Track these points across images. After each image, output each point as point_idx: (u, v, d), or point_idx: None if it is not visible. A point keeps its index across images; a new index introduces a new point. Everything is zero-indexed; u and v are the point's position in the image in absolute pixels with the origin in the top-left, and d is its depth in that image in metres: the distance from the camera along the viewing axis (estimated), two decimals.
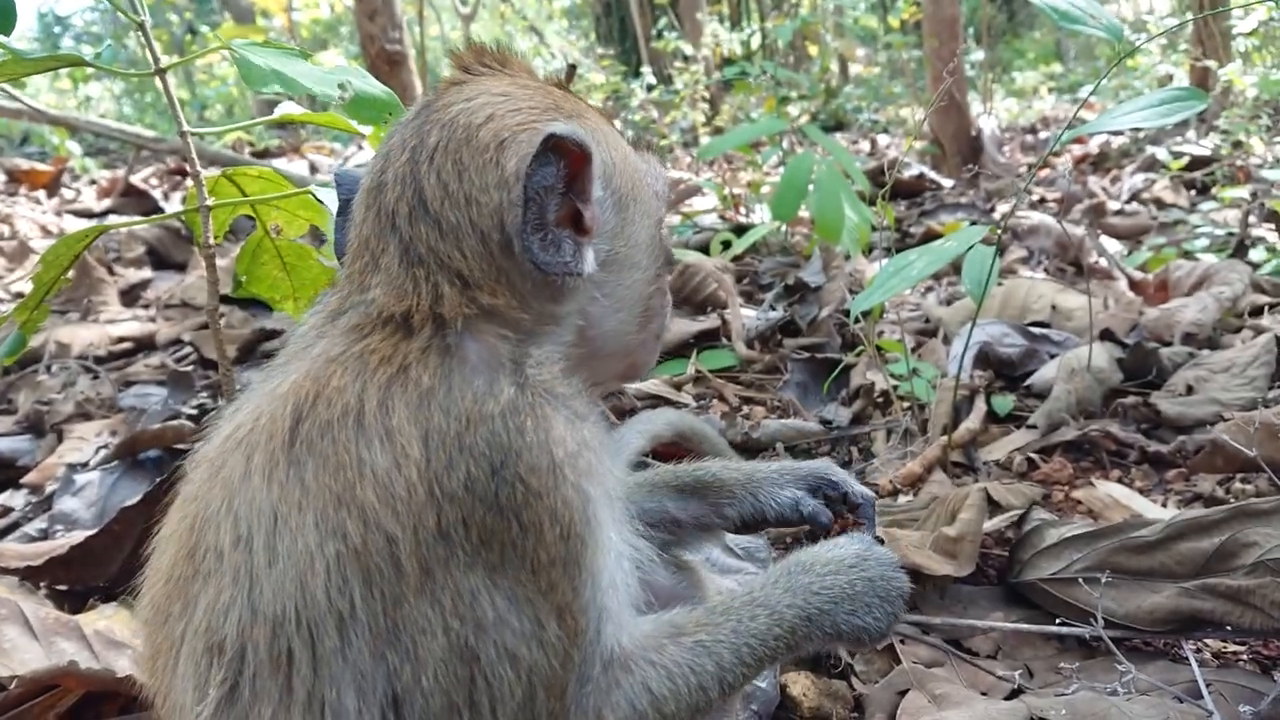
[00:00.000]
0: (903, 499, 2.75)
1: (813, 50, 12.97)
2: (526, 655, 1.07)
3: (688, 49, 11.70)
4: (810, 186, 4.33)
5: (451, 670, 1.04)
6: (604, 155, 1.24)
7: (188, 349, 4.59)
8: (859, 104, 14.15)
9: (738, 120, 10.24)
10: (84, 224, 6.41)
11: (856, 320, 3.46)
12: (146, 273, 6.03)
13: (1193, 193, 7.16)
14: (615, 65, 14.12)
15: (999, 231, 2.81)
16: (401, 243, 1.16)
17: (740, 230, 5.48)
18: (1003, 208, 7.04)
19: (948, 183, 8.33)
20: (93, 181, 9.60)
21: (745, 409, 3.66)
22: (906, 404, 3.29)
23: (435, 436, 1.04)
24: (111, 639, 1.96)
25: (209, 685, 1.05)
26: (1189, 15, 10.03)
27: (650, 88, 11.93)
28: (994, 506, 2.50)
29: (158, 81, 1.74)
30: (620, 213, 1.26)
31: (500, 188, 1.15)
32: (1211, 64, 9.15)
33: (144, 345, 4.82)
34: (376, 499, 1.03)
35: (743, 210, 6.50)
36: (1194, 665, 1.85)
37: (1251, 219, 5.43)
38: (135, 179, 8.36)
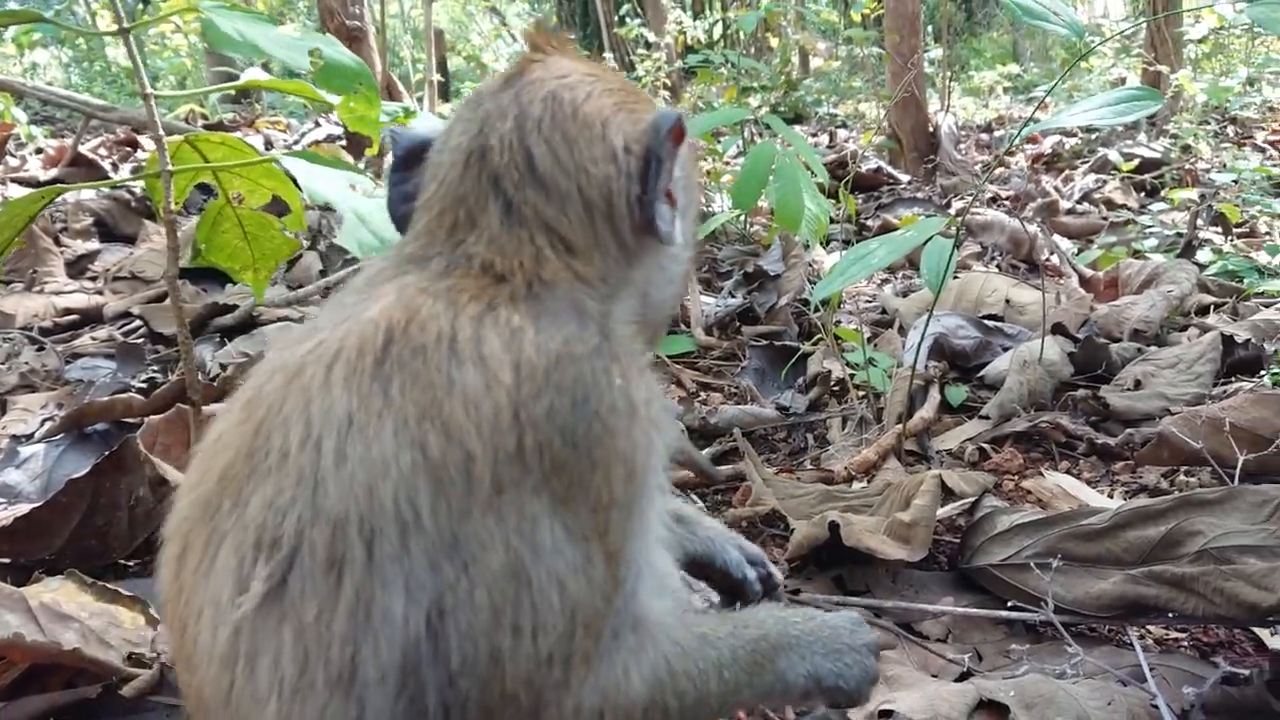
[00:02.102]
0: (857, 485, 2.79)
1: (774, 42, 13.00)
2: (573, 587, 1.10)
3: (650, 36, 11.68)
4: (771, 176, 4.35)
5: (502, 588, 1.07)
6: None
7: (137, 322, 4.50)
8: (819, 97, 14.23)
9: (699, 109, 10.25)
10: (30, 194, 6.24)
11: (815, 309, 3.49)
12: (94, 244, 5.89)
13: (1142, 194, 7.30)
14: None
15: (957, 225, 2.85)
16: (505, 204, 1.22)
17: (700, 218, 5.49)
18: (958, 203, 7.13)
19: (904, 177, 8.41)
20: (39, 150, 9.35)
21: (703, 395, 3.67)
22: (862, 392, 3.33)
23: (526, 367, 1.09)
24: (58, 611, 1.92)
25: (253, 579, 1.04)
26: (1143, 19, 10.21)
27: None
28: (947, 493, 2.54)
29: (120, 45, 1.70)
30: (686, 194, 1.35)
31: (608, 161, 1.24)
32: (1163, 69, 9.32)
33: (91, 318, 4.71)
34: (464, 415, 1.06)
35: (703, 198, 6.52)
36: (1138, 650, 1.90)
37: (1199, 221, 5.55)
38: (84, 148, 8.16)
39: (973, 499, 2.45)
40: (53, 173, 7.59)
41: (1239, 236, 5.60)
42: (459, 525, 1.05)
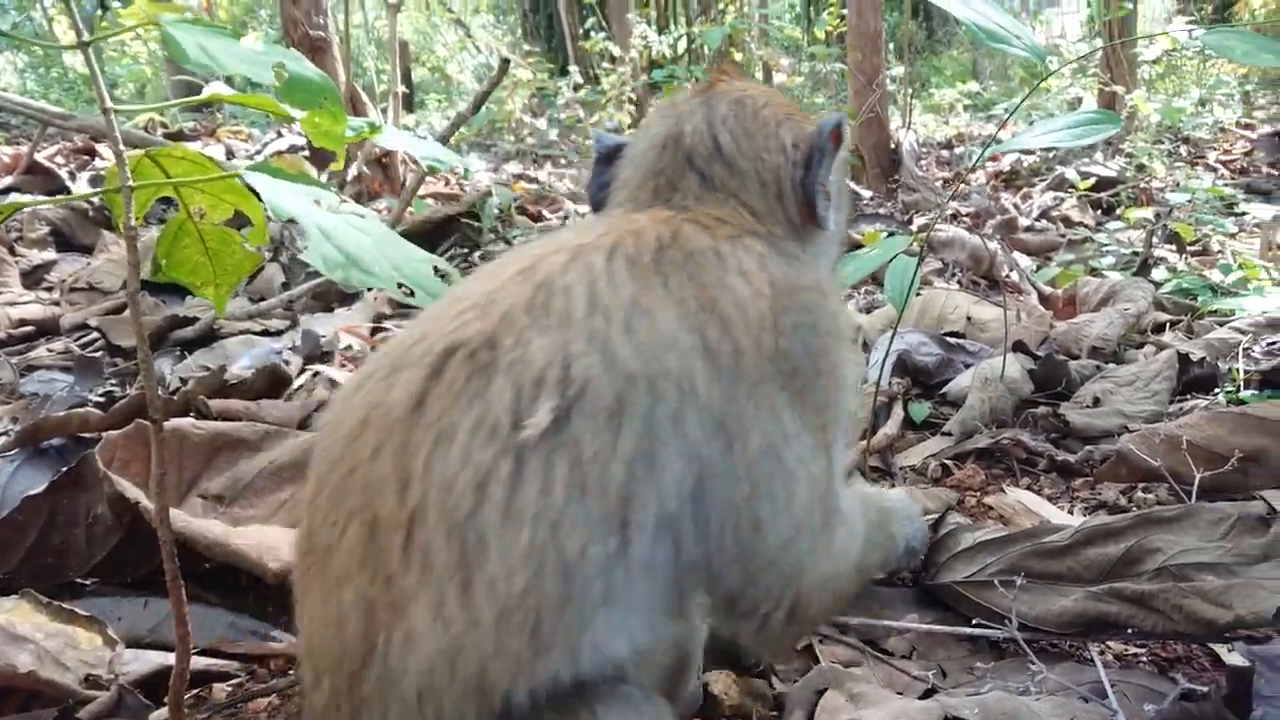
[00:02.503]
0: None
1: (738, 57, 13.09)
2: (812, 467, 1.30)
3: (615, 50, 11.71)
4: None
5: (762, 464, 1.24)
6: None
7: (94, 334, 4.42)
8: None
9: None
10: None
11: None
12: (51, 254, 5.79)
13: (1099, 212, 7.41)
14: (541, 62, 14.05)
15: (922, 243, 2.88)
16: (699, 174, 1.48)
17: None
18: (919, 219, 7.20)
19: (867, 194, 8.49)
20: None
21: None
22: None
23: (778, 286, 1.31)
24: (12, 633, 1.88)
25: (536, 409, 1.11)
26: (1099, 41, 10.40)
27: (577, 87, 11.91)
28: None
29: (78, 56, 1.68)
30: (839, 195, 1.58)
31: (779, 152, 1.50)
32: (1119, 89, 9.49)
33: (47, 329, 4.63)
34: (735, 314, 1.25)
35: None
36: (1099, 666, 1.92)
37: (1155, 240, 5.65)
38: (40, 156, 8.02)
39: (936, 516, 2.46)
40: (7, 180, 7.45)
41: (1193, 255, 5.71)
42: (726, 406, 1.22)
